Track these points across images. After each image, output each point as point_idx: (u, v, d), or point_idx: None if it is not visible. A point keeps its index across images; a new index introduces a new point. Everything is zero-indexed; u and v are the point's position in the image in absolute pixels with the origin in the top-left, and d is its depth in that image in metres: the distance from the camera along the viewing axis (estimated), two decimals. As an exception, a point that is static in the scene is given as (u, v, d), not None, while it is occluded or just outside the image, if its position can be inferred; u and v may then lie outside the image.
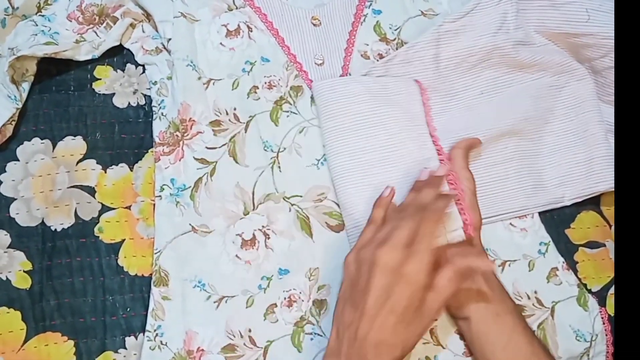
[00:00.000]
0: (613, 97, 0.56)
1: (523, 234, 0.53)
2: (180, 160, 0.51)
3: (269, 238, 0.49)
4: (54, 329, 0.46)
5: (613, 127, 0.56)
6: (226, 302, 0.47)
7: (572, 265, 0.54)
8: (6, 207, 0.49)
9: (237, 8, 0.56)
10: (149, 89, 0.54)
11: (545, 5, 0.55)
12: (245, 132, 0.52)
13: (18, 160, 0.51)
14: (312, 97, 0.54)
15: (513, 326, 0.45)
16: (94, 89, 0.54)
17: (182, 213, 0.49)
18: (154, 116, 0.53)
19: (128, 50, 0.55)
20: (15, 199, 0.50)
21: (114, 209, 0.50)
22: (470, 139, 0.52)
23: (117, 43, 0.55)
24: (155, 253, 0.48)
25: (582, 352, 0.49)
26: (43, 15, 0.53)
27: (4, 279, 0.47)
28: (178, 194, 0.50)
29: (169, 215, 0.49)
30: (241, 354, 0.46)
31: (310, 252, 0.49)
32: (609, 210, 0.57)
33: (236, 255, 0.48)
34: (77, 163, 0.51)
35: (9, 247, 0.48)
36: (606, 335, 0.50)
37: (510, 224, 0.54)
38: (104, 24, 0.54)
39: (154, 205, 0.50)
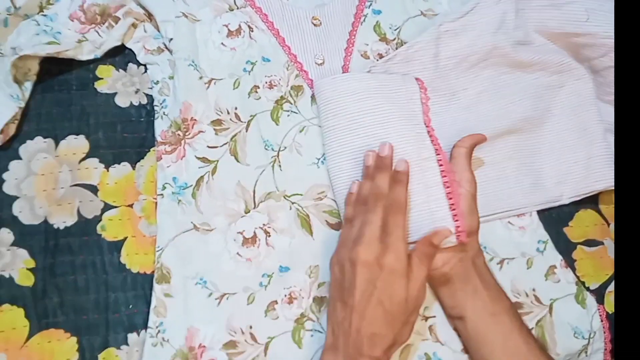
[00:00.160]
0: (612, 96, 0.57)
1: (521, 232, 0.54)
2: (181, 159, 0.51)
3: (269, 236, 0.50)
4: (57, 325, 0.47)
5: (612, 126, 0.57)
6: (227, 299, 0.48)
7: (570, 263, 0.54)
8: (9, 205, 0.50)
9: (238, 8, 0.56)
10: (151, 88, 0.55)
11: (544, 5, 0.55)
12: (246, 131, 0.53)
13: (21, 158, 0.51)
14: (312, 97, 0.54)
15: (509, 325, 0.45)
16: (96, 89, 0.54)
17: (183, 211, 0.50)
18: (156, 115, 0.53)
19: (130, 50, 0.56)
20: (18, 198, 0.50)
21: (116, 207, 0.51)
22: (474, 136, 0.51)
23: (119, 43, 0.55)
24: (158, 251, 0.48)
25: (580, 350, 0.50)
26: (45, 15, 0.53)
27: (7, 276, 0.48)
28: (180, 193, 0.50)
29: (171, 214, 0.50)
30: (242, 350, 0.46)
31: (310, 249, 0.50)
32: (607, 209, 0.57)
33: (237, 253, 0.49)
34: (80, 162, 0.52)
35: (12, 245, 0.49)
36: (604, 332, 0.51)
37: (509, 222, 0.54)
38: (106, 24, 0.54)
39: (156, 203, 0.50)
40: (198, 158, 0.51)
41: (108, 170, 0.52)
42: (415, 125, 0.52)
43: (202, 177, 0.51)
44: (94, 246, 0.49)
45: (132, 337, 0.47)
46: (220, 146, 0.52)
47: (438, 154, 0.50)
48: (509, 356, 0.44)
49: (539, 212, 0.55)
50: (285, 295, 0.48)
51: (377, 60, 0.56)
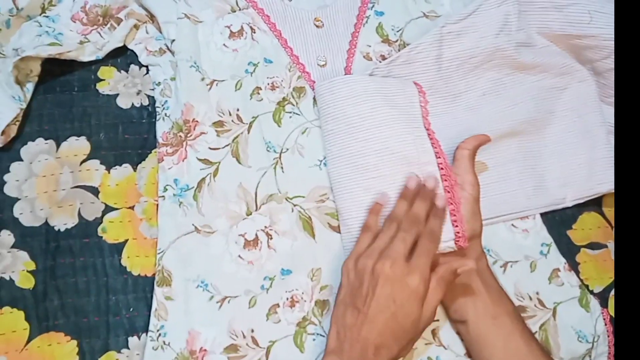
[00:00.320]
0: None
1: (525, 234, 0.54)
2: (183, 161, 0.51)
3: (271, 238, 0.49)
4: (57, 328, 0.46)
5: (615, 128, 0.56)
6: (229, 302, 0.47)
7: (574, 266, 0.54)
8: (10, 207, 0.49)
9: (240, 9, 0.56)
10: (153, 89, 0.55)
11: (547, 7, 0.55)
12: (248, 132, 0.52)
13: (22, 160, 0.51)
14: (314, 98, 0.54)
15: (511, 328, 0.45)
16: (97, 90, 0.54)
17: (185, 213, 0.49)
18: (158, 117, 0.53)
19: (132, 51, 0.56)
20: (19, 199, 0.50)
21: (117, 209, 0.50)
22: (478, 137, 0.50)
23: (121, 44, 0.55)
24: (159, 253, 0.48)
25: (584, 353, 0.49)
26: (47, 16, 0.53)
27: (8, 278, 0.47)
28: (181, 195, 0.50)
29: (172, 216, 0.49)
30: (244, 354, 0.46)
31: (312, 252, 0.49)
32: (610, 212, 0.57)
33: (239, 256, 0.49)
34: (81, 163, 0.52)
35: (12, 246, 0.48)
36: (608, 336, 0.50)
37: (512, 225, 0.54)
38: (108, 25, 0.54)
39: (157, 205, 0.50)
40: (200, 160, 0.51)
41: (109, 172, 0.52)
42: (415, 128, 0.51)
43: (203, 179, 0.50)
44: (94, 248, 0.49)
45: (132, 340, 0.47)
46: (222, 148, 0.52)
47: (438, 158, 0.50)
48: (510, 358, 0.44)
49: (542, 215, 0.55)
50: (287, 299, 0.48)
51: (380, 61, 0.56)
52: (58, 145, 0.52)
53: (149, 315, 0.47)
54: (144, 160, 0.52)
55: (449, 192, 0.48)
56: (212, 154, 0.51)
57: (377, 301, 0.41)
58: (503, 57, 0.55)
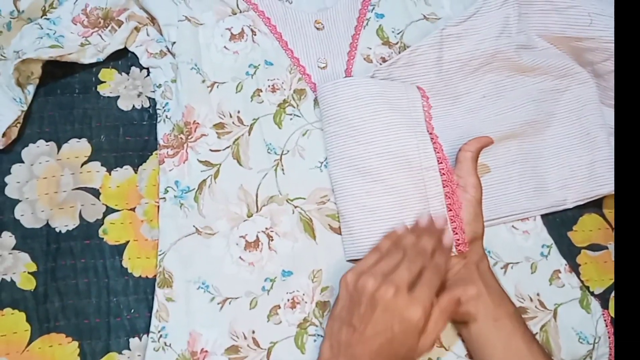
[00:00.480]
0: (615, 100, 0.57)
1: (525, 236, 0.54)
2: (184, 163, 0.51)
3: (272, 240, 0.49)
4: (58, 330, 0.47)
5: (615, 130, 0.57)
6: (230, 303, 0.47)
7: (574, 268, 0.54)
8: (11, 208, 0.49)
9: (240, 12, 0.56)
10: (154, 91, 0.55)
11: (547, 9, 0.55)
12: (249, 134, 0.52)
13: (23, 162, 0.51)
14: (315, 100, 0.54)
15: (512, 330, 0.45)
16: (98, 92, 0.54)
17: (186, 215, 0.49)
18: (159, 119, 0.53)
19: (132, 53, 0.56)
20: (20, 201, 0.50)
21: (118, 210, 0.51)
22: (480, 139, 0.50)
23: (122, 46, 0.55)
24: (159, 255, 0.48)
25: (585, 355, 0.49)
26: (48, 19, 0.53)
27: (9, 280, 0.47)
28: (182, 196, 0.50)
29: (173, 217, 0.49)
30: (245, 355, 0.46)
31: (313, 254, 0.49)
32: (611, 213, 0.57)
33: (240, 257, 0.49)
34: (82, 165, 0.52)
35: (13, 248, 0.48)
36: (609, 337, 0.50)
37: (513, 226, 0.54)
38: (109, 28, 0.54)
39: (158, 207, 0.50)
40: (200, 162, 0.51)
41: (110, 174, 0.52)
42: (417, 132, 0.51)
43: (204, 180, 0.50)
44: (95, 250, 0.49)
45: (134, 341, 0.47)
46: (223, 150, 0.52)
47: (440, 163, 0.49)
48: None
49: (543, 217, 0.55)
50: (288, 300, 0.48)
51: (380, 64, 0.56)
52: (59, 147, 0.52)
53: (150, 317, 0.47)
54: (145, 162, 0.53)
55: (449, 198, 0.48)
56: (212, 155, 0.51)
57: (374, 325, 0.40)
58: (503, 60, 0.55)
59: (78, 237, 0.49)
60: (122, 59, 0.56)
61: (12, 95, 0.50)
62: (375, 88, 0.51)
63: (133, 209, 0.51)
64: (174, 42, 0.54)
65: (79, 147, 0.52)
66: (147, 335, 0.46)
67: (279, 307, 0.48)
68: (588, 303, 0.51)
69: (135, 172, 0.52)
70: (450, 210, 0.47)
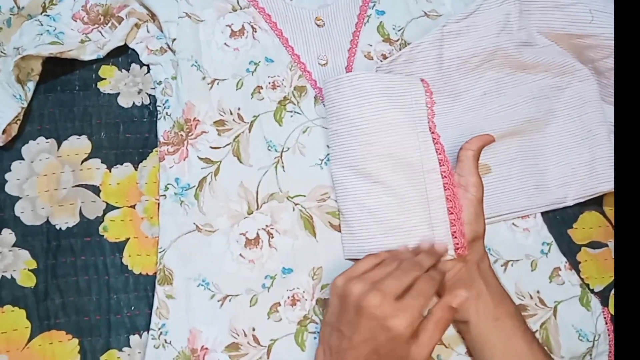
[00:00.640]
0: (616, 97, 0.56)
1: (526, 234, 0.54)
2: (184, 160, 0.51)
3: (272, 237, 0.49)
4: (59, 327, 0.47)
5: (616, 128, 0.56)
6: (230, 300, 0.47)
7: (574, 265, 0.54)
8: (11, 205, 0.49)
9: (241, 8, 0.56)
10: (154, 88, 0.55)
11: (548, 6, 0.55)
12: (249, 132, 0.52)
13: (23, 159, 0.51)
14: (315, 97, 0.54)
15: (512, 330, 0.45)
16: (98, 89, 0.54)
17: (186, 212, 0.49)
18: (159, 116, 0.53)
19: (133, 50, 0.56)
20: (20, 198, 0.50)
21: (118, 208, 0.51)
22: (482, 137, 0.49)
23: (122, 43, 0.55)
24: (160, 252, 0.48)
25: (585, 352, 0.50)
26: (48, 15, 0.53)
27: (9, 277, 0.47)
28: (182, 193, 0.50)
29: (174, 215, 0.49)
30: (245, 352, 0.46)
31: (313, 251, 0.49)
32: (611, 211, 0.57)
33: (240, 255, 0.49)
34: (82, 162, 0.52)
35: (14, 245, 0.48)
36: (609, 335, 0.50)
37: (513, 224, 0.54)
38: (109, 24, 0.54)
39: (159, 204, 0.50)
40: (201, 159, 0.51)
41: (110, 171, 0.52)
42: (419, 132, 0.50)
43: (204, 178, 0.50)
44: (95, 247, 0.49)
45: (134, 338, 0.47)
46: (223, 147, 0.52)
47: (442, 165, 0.49)
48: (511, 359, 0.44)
49: (543, 214, 0.55)
50: (289, 297, 0.48)
51: (381, 60, 0.56)
52: (59, 144, 0.52)
53: (150, 314, 0.47)
54: (145, 159, 0.52)
55: (450, 201, 0.47)
56: (213, 153, 0.51)
57: (360, 332, 0.40)
58: (504, 57, 0.55)
59: (78, 235, 0.49)
60: (122, 56, 0.56)
61: (12, 92, 0.50)
62: (379, 84, 0.50)
63: (133, 206, 0.51)
64: (174, 39, 0.54)
65: (79, 144, 0.52)
66: (148, 333, 0.46)
67: (279, 305, 0.48)
68: (588, 300, 0.51)
69: (136, 169, 0.52)
70: (452, 213, 0.47)
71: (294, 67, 0.55)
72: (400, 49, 0.56)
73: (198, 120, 0.52)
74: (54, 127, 0.52)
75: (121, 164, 0.52)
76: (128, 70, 0.56)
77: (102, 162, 0.52)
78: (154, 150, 0.53)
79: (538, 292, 0.51)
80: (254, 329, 0.47)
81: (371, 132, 0.49)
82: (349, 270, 0.44)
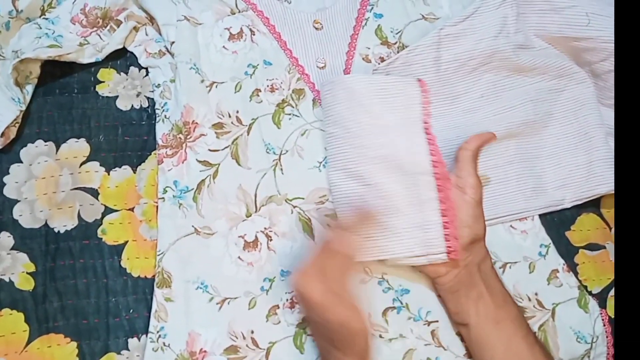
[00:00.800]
0: (613, 100, 0.57)
1: (524, 236, 0.54)
2: (183, 163, 0.51)
3: (271, 240, 0.49)
4: (57, 330, 0.46)
5: (613, 130, 0.57)
6: (229, 303, 0.47)
7: (572, 267, 0.54)
8: (10, 208, 0.49)
9: (239, 12, 0.56)
10: (152, 91, 0.55)
11: (545, 9, 0.55)
12: (248, 134, 0.52)
13: (21, 162, 0.51)
14: (314, 100, 0.54)
15: (513, 332, 0.44)
16: (97, 92, 0.54)
17: (184, 215, 0.49)
18: (157, 119, 0.53)
19: (131, 53, 0.56)
20: (19, 201, 0.50)
21: (117, 210, 0.51)
22: (481, 136, 0.49)
23: (121, 46, 0.55)
24: (158, 255, 0.48)
25: (583, 354, 0.50)
26: (47, 19, 0.53)
27: (7, 280, 0.47)
28: (181, 196, 0.50)
29: (172, 217, 0.49)
30: (244, 355, 0.46)
31: (312, 254, 0.49)
32: (609, 213, 0.57)
33: (239, 257, 0.49)
34: (81, 165, 0.51)
35: (12, 248, 0.48)
36: (607, 337, 0.51)
37: (511, 226, 0.54)
38: (108, 27, 0.54)
39: (157, 207, 0.50)
40: (199, 161, 0.51)
41: (109, 174, 0.52)
42: (412, 134, 0.50)
43: (203, 180, 0.50)
44: (94, 250, 0.49)
45: (132, 341, 0.47)
46: (222, 149, 0.52)
47: (435, 167, 0.48)
48: None
49: (541, 216, 0.55)
50: (287, 300, 0.48)
51: (379, 63, 0.56)
52: (58, 147, 0.52)
53: (149, 317, 0.47)
54: (144, 162, 0.52)
55: (443, 203, 0.47)
56: (211, 155, 0.51)
57: (307, 319, 0.44)
58: (501, 59, 0.55)
59: (77, 237, 0.49)
60: (121, 59, 0.56)
61: (11, 95, 0.50)
62: (372, 86, 0.50)
63: (132, 209, 0.51)
64: (173, 42, 0.54)
65: (78, 147, 0.52)
66: (146, 336, 0.46)
67: (278, 307, 0.48)
68: (586, 302, 0.51)
69: (134, 172, 0.52)
70: (444, 216, 0.47)
71: (293, 70, 0.55)
72: (398, 52, 0.57)
73: (197, 123, 0.52)
74: (53, 130, 0.52)
75: (120, 167, 0.52)
76: (127, 73, 0.56)
77: (100, 165, 0.52)
78: (153, 153, 0.53)
79: (536, 294, 0.51)
80: (252, 332, 0.47)
81: (364, 135, 0.49)
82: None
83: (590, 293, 0.53)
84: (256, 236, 0.49)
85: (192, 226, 0.49)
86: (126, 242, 0.50)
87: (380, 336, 0.48)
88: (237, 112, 0.53)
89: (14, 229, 0.49)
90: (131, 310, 0.48)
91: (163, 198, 0.50)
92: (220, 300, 0.47)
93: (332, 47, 0.57)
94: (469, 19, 0.55)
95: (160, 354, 0.46)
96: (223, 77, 0.54)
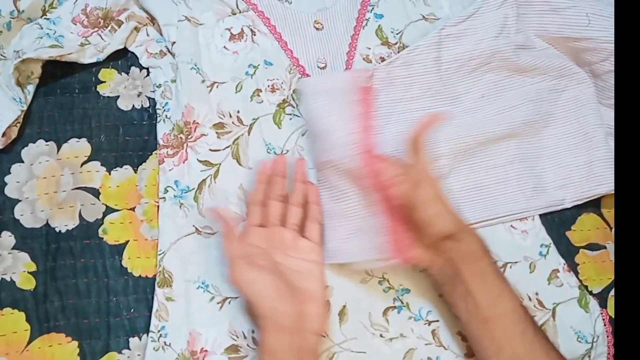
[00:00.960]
0: (613, 100, 0.57)
1: (524, 236, 0.54)
2: (184, 162, 0.51)
3: (272, 239, 0.49)
4: (58, 329, 0.47)
5: (613, 130, 0.57)
6: (229, 303, 0.47)
7: (573, 267, 0.54)
8: (11, 208, 0.49)
9: (240, 12, 0.56)
10: (153, 91, 0.55)
11: (545, 9, 0.56)
12: (249, 134, 0.53)
13: (23, 162, 0.51)
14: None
15: (506, 331, 0.43)
16: (98, 92, 0.54)
17: (185, 215, 0.49)
18: (158, 119, 0.53)
19: (132, 53, 0.56)
20: (20, 201, 0.50)
21: (118, 210, 0.51)
22: (424, 122, 0.45)
23: (122, 46, 0.55)
24: (159, 254, 0.48)
25: (584, 354, 0.50)
26: (48, 19, 0.53)
27: (9, 280, 0.47)
28: (182, 196, 0.50)
29: (173, 217, 0.49)
30: (244, 354, 0.46)
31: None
32: (609, 213, 0.57)
33: (239, 257, 0.49)
34: (82, 165, 0.52)
35: (13, 248, 0.48)
36: (607, 336, 0.51)
37: (512, 226, 0.54)
38: (109, 28, 0.54)
39: (158, 207, 0.50)
40: (200, 161, 0.51)
41: (110, 174, 0.52)
42: (349, 135, 0.47)
43: (204, 180, 0.51)
44: (95, 250, 0.49)
45: (133, 341, 0.47)
46: (223, 149, 0.52)
47: (367, 166, 0.45)
48: None
49: (542, 216, 0.55)
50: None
51: (379, 64, 0.56)
52: (59, 147, 0.52)
53: (150, 316, 0.47)
54: (145, 161, 0.53)
55: (379, 203, 0.45)
56: (212, 155, 0.51)
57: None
58: (502, 60, 0.55)
59: (78, 237, 0.49)
60: (122, 59, 0.56)
61: (12, 95, 0.50)
62: (322, 86, 0.49)
63: (133, 209, 0.51)
64: (174, 42, 0.54)
65: (79, 147, 0.52)
66: (147, 335, 0.47)
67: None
68: (586, 302, 0.51)
69: (135, 172, 0.52)
70: (388, 217, 0.45)
71: (293, 70, 0.55)
72: (398, 52, 0.57)
73: (197, 123, 0.52)
74: (54, 129, 0.52)
75: (121, 167, 0.52)
76: (128, 73, 0.56)
77: (101, 165, 0.52)
78: (154, 152, 0.53)
79: (537, 293, 0.51)
80: (253, 331, 0.47)
81: (315, 140, 0.50)
82: None
83: (590, 293, 0.53)
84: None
85: (193, 226, 0.49)
86: (127, 241, 0.50)
87: (381, 335, 0.48)
88: (238, 112, 0.53)
89: (15, 228, 0.49)
90: (132, 310, 0.48)
91: (164, 198, 0.50)
92: (221, 300, 0.47)
93: (332, 48, 0.57)
94: (470, 19, 0.55)
95: (161, 353, 0.46)
96: (224, 77, 0.54)
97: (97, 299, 0.48)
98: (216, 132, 0.52)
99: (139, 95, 0.55)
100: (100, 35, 0.54)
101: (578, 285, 0.52)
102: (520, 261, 0.52)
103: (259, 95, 0.54)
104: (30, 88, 0.52)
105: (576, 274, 0.54)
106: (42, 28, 0.53)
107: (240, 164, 0.51)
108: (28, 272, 0.48)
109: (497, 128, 0.54)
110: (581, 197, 0.55)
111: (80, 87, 0.54)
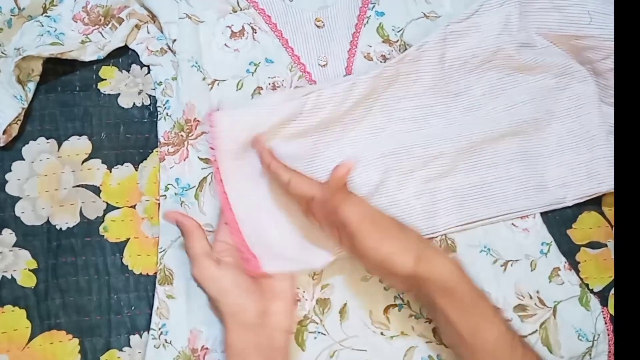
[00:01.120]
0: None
1: (525, 234, 0.54)
2: (184, 160, 0.51)
3: (272, 238, 0.49)
4: (59, 327, 0.47)
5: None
6: (230, 301, 0.47)
7: (574, 265, 0.54)
8: (12, 206, 0.49)
9: (241, 9, 0.56)
10: (154, 89, 0.55)
11: (547, 7, 0.55)
12: (250, 132, 0.52)
13: (24, 159, 0.51)
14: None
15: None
16: (99, 89, 0.54)
17: (186, 212, 0.49)
18: (159, 116, 0.53)
19: (133, 51, 0.56)
20: (21, 198, 0.50)
21: (119, 208, 0.51)
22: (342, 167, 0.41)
23: (123, 44, 0.55)
24: (160, 252, 0.48)
25: (584, 352, 0.50)
26: (49, 16, 0.53)
27: (10, 277, 0.47)
28: (182, 194, 0.50)
29: (174, 215, 0.49)
30: (245, 352, 0.46)
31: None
32: (610, 211, 0.57)
33: (240, 255, 0.49)
34: (83, 162, 0.52)
35: (14, 245, 0.48)
36: (608, 335, 0.51)
37: (512, 224, 0.54)
38: (110, 25, 0.54)
39: (159, 204, 0.50)
40: (201, 159, 0.51)
41: (111, 171, 0.52)
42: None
43: (205, 178, 0.51)
44: (96, 247, 0.49)
45: (134, 338, 0.47)
46: (224, 147, 0.52)
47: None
48: None
49: (543, 214, 0.55)
50: (288, 297, 0.48)
51: (381, 61, 0.56)
52: (59, 145, 0.52)
53: (151, 314, 0.47)
54: (146, 159, 0.53)
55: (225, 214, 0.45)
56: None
57: None
58: (504, 57, 0.55)
59: (79, 235, 0.49)
60: (123, 57, 0.56)
61: (13, 93, 0.50)
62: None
63: (134, 207, 0.51)
64: (175, 40, 0.54)
65: (80, 145, 0.52)
66: (148, 333, 0.47)
67: (279, 304, 0.48)
68: (587, 300, 0.51)
69: (136, 170, 0.52)
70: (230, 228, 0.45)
71: (294, 68, 0.55)
72: (399, 50, 0.57)
73: (198, 120, 0.52)
74: (55, 127, 0.52)
75: (121, 164, 0.52)
76: (128, 71, 0.56)
77: (102, 163, 0.52)
78: (155, 150, 0.53)
79: (538, 292, 0.51)
80: (254, 329, 0.47)
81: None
82: None
83: (591, 291, 0.53)
84: (258, 234, 0.49)
85: (194, 223, 0.49)
86: (128, 239, 0.50)
87: (382, 333, 0.48)
88: (239, 109, 0.53)
89: (16, 226, 0.49)
90: (133, 307, 0.48)
91: (165, 195, 0.50)
92: (221, 298, 0.47)
93: (333, 45, 0.57)
94: (473, 17, 0.55)
95: (162, 350, 0.46)
96: (225, 74, 0.54)
97: (98, 296, 0.48)
98: (217, 130, 0.52)
99: (139, 93, 0.55)
100: (101, 33, 0.54)
101: (579, 283, 0.52)
102: (521, 259, 0.52)
103: (259, 93, 0.54)
104: (31, 86, 0.52)
105: (577, 272, 0.54)
106: (42, 25, 0.53)
107: (241, 162, 0.51)
108: (29, 270, 0.48)
109: (498, 126, 0.54)
110: (582, 195, 0.55)
111: (81, 84, 0.54)
